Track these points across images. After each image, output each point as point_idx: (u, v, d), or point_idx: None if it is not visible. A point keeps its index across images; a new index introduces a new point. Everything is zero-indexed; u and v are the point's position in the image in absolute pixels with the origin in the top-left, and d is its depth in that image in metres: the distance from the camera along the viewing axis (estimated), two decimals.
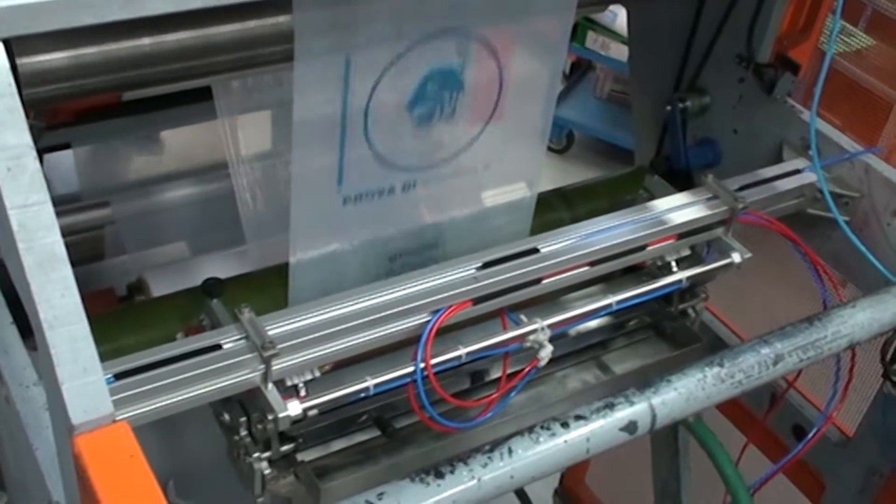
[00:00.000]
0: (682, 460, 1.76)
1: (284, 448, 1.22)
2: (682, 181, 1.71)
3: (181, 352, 1.10)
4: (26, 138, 0.81)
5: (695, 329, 1.54)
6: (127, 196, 1.96)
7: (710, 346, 1.75)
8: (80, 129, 1.77)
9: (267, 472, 1.22)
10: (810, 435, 1.51)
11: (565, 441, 1.04)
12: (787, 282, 1.79)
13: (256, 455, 1.20)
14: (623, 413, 1.07)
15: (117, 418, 1.03)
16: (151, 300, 1.41)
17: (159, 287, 1.70)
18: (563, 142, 4.58)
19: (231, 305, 1.33)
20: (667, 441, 1.79)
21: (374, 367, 1.23)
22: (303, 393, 1.18)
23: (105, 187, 1.98)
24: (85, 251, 2.00)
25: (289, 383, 1.17)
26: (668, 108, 1.68)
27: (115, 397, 1.02)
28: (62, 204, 2.18)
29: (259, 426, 1.16)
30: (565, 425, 1.04)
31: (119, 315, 1.37)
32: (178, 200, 1.97)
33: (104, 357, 1.28)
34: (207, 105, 1.32)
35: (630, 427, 1.07)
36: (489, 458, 1.01)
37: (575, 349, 1.46)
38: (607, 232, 1.34)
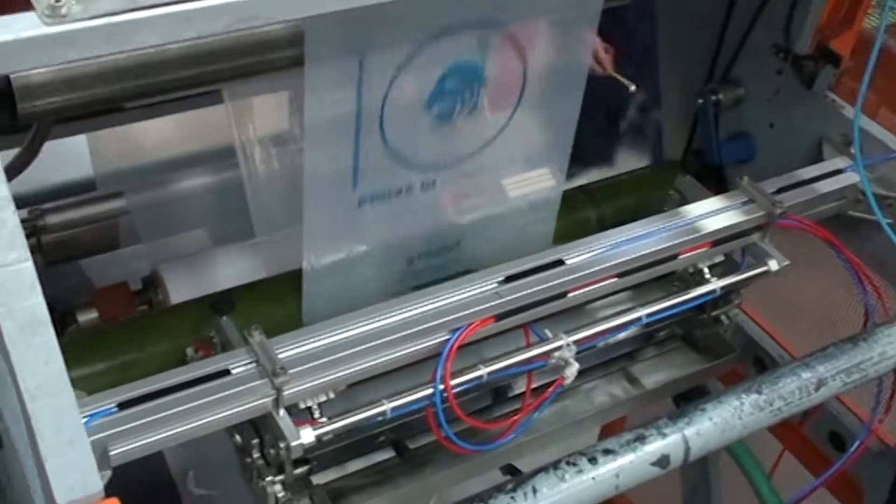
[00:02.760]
0: (711, 468, 1.70)
1: (298, 471, 1.17)
2: (714, 178, 1.64)
3: (188, 378, 1.05)
4: (4, 191, 0.75)
5: (727, 337, 1.48)
6: (141, 185, 1.92)
7: (743, 350, 1.70)
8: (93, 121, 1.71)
9: (280, 494, 1.17)
10: (852, 449, 1.44)
11: (593, 478, 0.98)
12: (824, 280, 1.71)
13: (269, 478, 1.15)
14: (654, 446, 1.01)
15: (119, 450, 0.99)
16: (162, 311, 1.36)
17: (174, 281, 1.67)
18: None
19: (243, 317, 1.29)
20: None
21: (391, 384, 1.18)
22: (317, 415, 1.13)
23: (120, 173, 1.93)
24: (100, 242, 1.96)
25: (302, 406, 1.12)
26: (700, 100, 1.60)
27: (118, 429, 0.99)
28: (77, 191, 2.13)
29: (272, 450, 1.11)
30: (593, 461, 0.98)
31: (128, 327, 1.32)
32: (194, 189, 1.92)
33: (111, 372, 1.27)
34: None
35: (662, 461, 1.01)
36: (512, 498, 0.95)
37: (602, 361, 1.40)
38: (636, 241, 1.27)
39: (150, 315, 1.34)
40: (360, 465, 1.24)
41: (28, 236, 1.89)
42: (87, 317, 1.90)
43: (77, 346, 1.27)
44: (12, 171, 1.68)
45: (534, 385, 1.24)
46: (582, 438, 1.45)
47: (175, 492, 2.44)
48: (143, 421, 1.00)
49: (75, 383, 1.21)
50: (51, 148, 1.58)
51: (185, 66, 1.18)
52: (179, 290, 1.72)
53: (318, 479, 1.21)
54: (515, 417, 1.19)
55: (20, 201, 2.13)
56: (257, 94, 1.31)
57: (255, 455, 1.15)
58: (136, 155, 2.02)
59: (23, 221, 1.84)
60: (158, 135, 2.02)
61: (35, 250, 1.91)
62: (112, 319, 1.92)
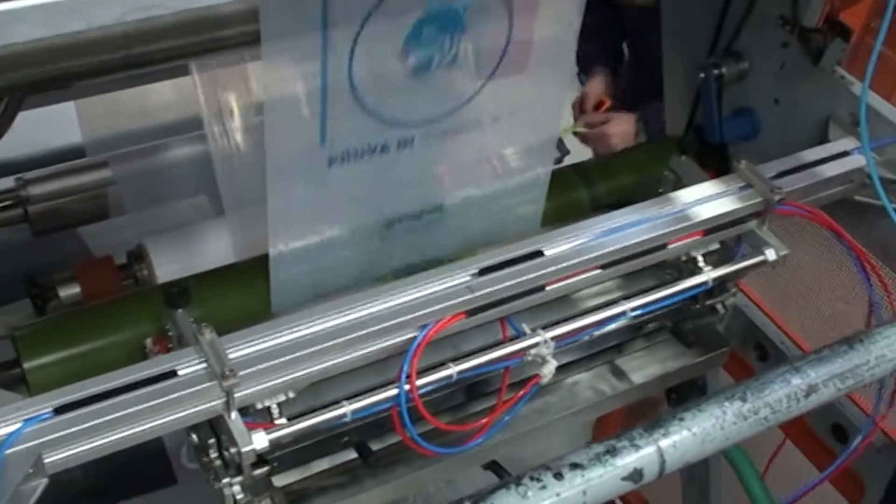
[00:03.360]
0: (711, 461, 1.63)
1: (258, 472, 1.10)
2: (715, 156, 1.55)
3: (131, 380, 0.99)
4: None
5: (724, 326, 1.40)
6: (127, 155, 1.86)
7: (743, 335, 1.62)
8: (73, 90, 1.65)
9: (239, 496, 1.12)
10: (855, 443, 1.36)
11: (558, 494, 0.91)
12: (831, 264, 1.63)
13: (227, 480, 1.09)
14: (626, 460, 0.94)
15: (55, 458, 0.94)
16: (124, 298, 1.29)
17: (159, 255, 1.62)
18: None
19: (206, 306, 1.23)
20: None
21: (357, 379, 1.12)
22: (276, 414, 1.06)
23: (109, 139, 1.87)
24: (89, 212, 1.91)
25: (259, 406, 1.06)
26: (702, 74, 1.50)
27: (53, 435, 0.93)
28: (68, 157, 2.08)
29: (230, 450, 1.05)
30: (558, 476, 0.91)
31: (87, 315, 1.26)
32: (184, 157, 1.85)
33: (68, 362, 1.21)
34: None
35: (634, 475, 0.94)
36: None
37: (586, 354, 1.32)
38: (622, 230, 1.19)
39: (111, 302, 1.27)
40: (324, 466, 1.18)
41: (13, 206, 1.85)
42: (68, 292, 1.85)
43: (33, 334, 1.21)
44: None
45: (511, 381, 1.17)
46: (566, 434, 1.39)
47: (169, 466, 2.41)
48: (82, 427, 0.94)
49: (29, 374, 1.18)
50: (39, 114, 1.50)
51: (149, 41, 1.11)
52: (165, 265, 1.67)
53: (280, 480, 1.15)
54: (485, 420, 1.12)
55: (7, 169, 2.08)
56: (224, 66, 1.23)
57: (213, 455, 1.09)
58: (126, 121, 1.96)
59: (8, 191, 1.81)
60: (150, 99, 1.96)
61: (21, 220, 1.86)
62: (95, 295, 1.86)
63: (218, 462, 1.09)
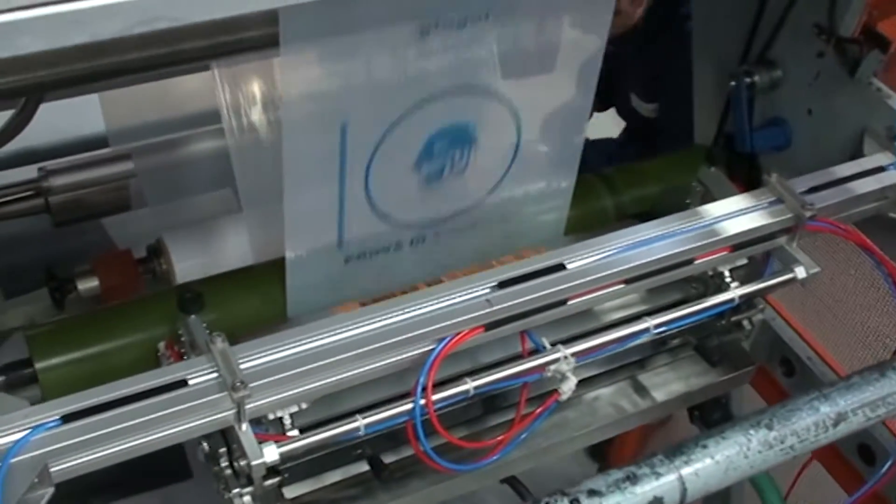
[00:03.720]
0: None
1: (269, 483, 1.08)
2: (745, 165, 1.51)
3: (141, 389, 0.96)
4: None
5: (750, 342, 1.36)
6: (150, 148, 1.84)
7: (770, 349, 1.59)
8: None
9: None
10: (885, 468, 1.32)
11: None
12: (864, 282, 1.59)
13: (237, 490, 1.07)
14: (646, 488, 0.91)
15: (61, 467, 0.92)
16: (137, 300, 1.27)
17: (179, 251, 1.61)
18: None
19: (220, 310, 1.21)
20: None
21: (369, 391, 1.10)
22: (288, 425, 1.04)
23: (132, 130, 1.85)
24: (111, 203, 1.90)
25: (271, 417, 1.04)
26: (733, 82, 1.46)
27: (61, 444, 0.92)
28: (89, 146, 2.06)
29: (241, 462, 1.03)
30: (575, 503, 0.88)
31: (101, 316, 1.24)
32: (205, 151, 1.84)
33: (83, 362, 1.19)
34: None
35: None
36: None
37: (607, 368, 1.29)
38: (648, 244, 1.15)
39: (125, 304, 1.25)
40: (336, 478, 1.15)
41: (34, 196, 1.84)
42: (87, 285, 1.84)
43: (46, 335, 1.19)
44: (5, 137, 1.61)
45: (529, 395, 1.14)
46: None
47: (185, 460, 2.40)
48: (90, 436, 0.92)
49: (41, 374, 1.16)
50: (63, 102, 1.49)
51: (169, 43, 1.09)
52: (184, 260, 1.66)
53: (291, 491, 1.13)
54: (502, 437, 1.10)
55: (30, 157, 2.06)
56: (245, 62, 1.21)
57: (224, 464, 1.07)
58: (149, 111, 1.94)
59: (30, 182, 1.80)
60: (175, 89, 1.94)
61: (43, 210, 1.85)
62: (113, 288, 1.85)
63: (229, 471, 1.07)
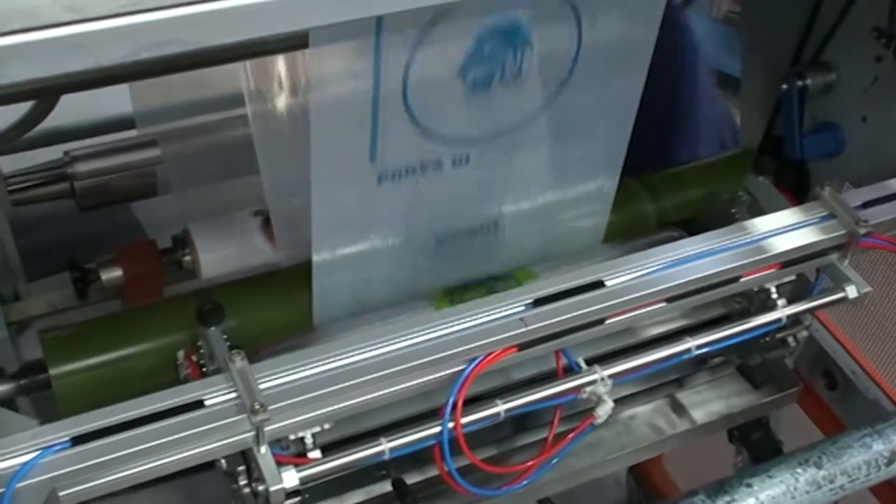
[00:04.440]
0: None
1: (289, 503, 1.04)
2: (793, 172, 1.44)
3: (155, 410, 0.92)
4: None
5: (794, 359, 1.30)
6: (178, 133, 1.80)
7: (812, 361, 1.52)
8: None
9: None
10: None
11: None
12: None
13: None
14: None
15: (71, 491, 0.87)
16: (156, 305, 1.23)
17: (204, 242, 1.57)
18: None
19: (242, 316, 1.17)
20: None
21: (394, 408, 1.05)
22: (309, 444, 1.00)
23: (160, 111, 1.81)
24: (137, 189, 1.86)
25: (292, 437, 0.99)
26: (785, 84, 1.39)
27: (70, 468, 0.87)
28: (115, 127, 2.03)
29: (259, 486, 0.98)
30: None
31: (118, 322, 1.19)
32: (234, 137, 1.79)
33: (98, 369, 1.15)
34: None
35: None
36: None
37: (645, 387, 1.23)
38: (692, 261, 1.09)
39: (143, 310, 1.21)
40: (359, 498, 1.11)
41: (59, 181, 1.80)
42: (110, 275, 1.80)
43: (61, 339, 1.15)
44: (28, 124, 1.57)
45: (563, 415, 1.09)
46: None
47: None
48: (101, 459, 0.88)
49: (55, 380, 1.12)
50: None
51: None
52: (210, 251, 1.62)
53: None
54: (531, 462, 1.04)
55: (56, 137, 2.02)
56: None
57: (242, 482, 1.02)
58: (178, 92, 1.89)
59: (54, 167, 1.77)
60: (204, 71, 1.89)
61: (67, 195, 1.82)
62: (137, 279, 1.81)
63: (247, 490, 1.02)
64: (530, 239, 1.28)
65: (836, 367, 1.52)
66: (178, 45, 0.54)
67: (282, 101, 1.17)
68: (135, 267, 1.78)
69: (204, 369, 1.07)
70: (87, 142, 1.97)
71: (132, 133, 1.86)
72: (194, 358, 1.09)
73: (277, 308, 1.19)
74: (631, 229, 1.36)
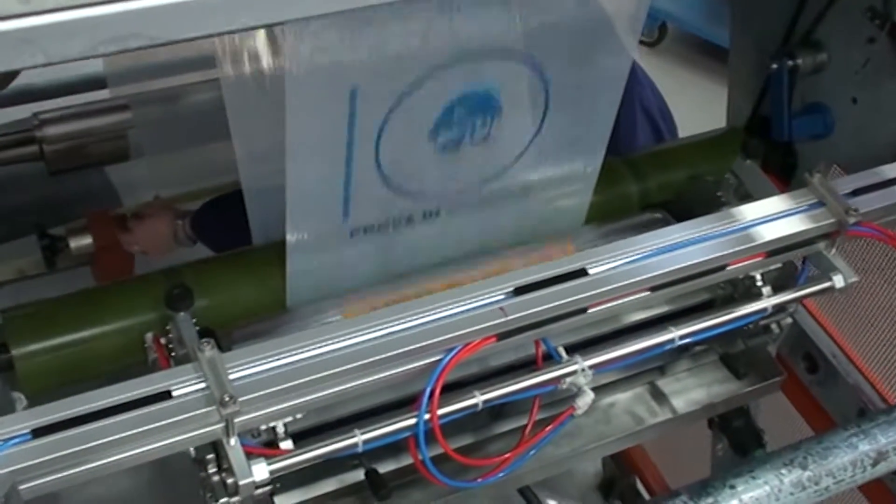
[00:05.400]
0: None
1: (259, 492, 1.01)
2: (781, 153, 1.41)
3: (120, 401, 0.88)
4: None
5: (773, 349, 1.28)
6: (149, 97, 1.75)
7: (791, 343, 1.50)
8: None
9: None
10: None
11: None
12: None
13: (225, 500, 1.00)
14: None
15: (32, 485, 0.84)
16: (123, 284, 1.18)
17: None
18: (654, 34, 4.18)
19: (214, 296, 1.13)
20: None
21: (368, 398, 1.03)
22: (280, 434, 0.97)
23: (131, 70, 1.76)
24: (108, 153, 1.82)
25: (263, 427, 0.96)
26: (774, 64, 1.35)
27: (31, 461, 0.84)
28: (87, 87, 1.97)
29: (229, 478, 0.95)
30: None
31: (84, 301, 1.15)
32: (206, 101, 1.75)
33: (63, 349, 1.11)
34: None
35: None
36: None
37: (625, 375, 1.21)
38: (678, 249, 1.06)
39: (110, 288, 1.17)
40: (331, 487, 1.08)
41: (27, 143, 1.75)
42: (79, 243, 1.76)
43: (24, 318, 1.10)
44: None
45: (542, 403, 1.07)
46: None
47: None
48: (63, 452, 0.84)
49: (17, 361, 1.08)
50: None
51: None
52: None
53: (283, 500, 1.06)
54: (508, 455, 1.02)
55: (26, 96, 1.96)
56: None
57: (212, 471, 0.99)
58: (150, 54, 1.83)
59: (21, 130, 1.71)
60: None
61: (37, 158, 1.77)
62: (107, 248, 1.77)
63: (216, 479, 0.99)
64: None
65: (816, 350, 1.50)
66: (142, 40, 0.49)
67: (255, 65, 1.12)
68: (105, 235, 1.74)
69: (173, 353, 1.04)
70: (59, 101, 1.92)
71: (104, 93, 1.81)
72: (163, 341, 1.05)
73: (249, 288, 1.15)
74: (614, 210, 1.33)
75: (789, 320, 1.26)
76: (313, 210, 1.06)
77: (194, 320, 1.02)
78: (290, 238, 1.07)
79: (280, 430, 0.97)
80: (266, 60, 1.10)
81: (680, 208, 1.30)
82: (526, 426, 1.03)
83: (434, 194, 1.13)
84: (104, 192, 1.96)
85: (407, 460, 1.08)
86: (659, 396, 1.21)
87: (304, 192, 1.03)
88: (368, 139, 1.01)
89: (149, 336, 1.08)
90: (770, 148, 1.40)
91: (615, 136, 1.19)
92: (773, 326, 1.25)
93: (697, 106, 2.36)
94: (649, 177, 1.36)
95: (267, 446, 0.96)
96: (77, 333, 1.10)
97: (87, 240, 1.72)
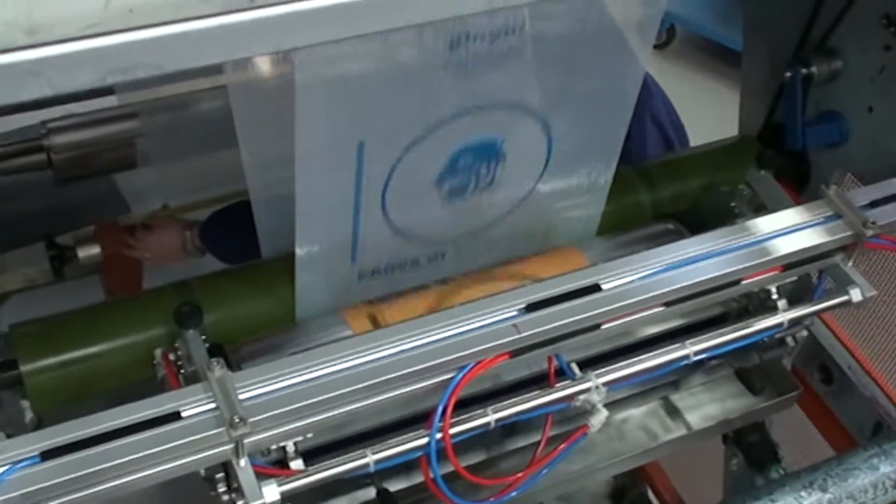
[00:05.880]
0: None
1: None
2: (794, 161, 1.39)
3: (130, 422, 0.87)
4: None
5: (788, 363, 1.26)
6: (158, 105, 1.75)
7: (806, 354, 1.48)
8: None
9: None
10: None
11: None
12: None
13: None
14: None
15: None
16: (133, 300, 1.17)
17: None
18: (662, 36, 4.16)
19: (223, 310, 1.12)
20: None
21: (379, 416, 1.01)
22: (291, 454, 0.95)
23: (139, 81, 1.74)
24: (116, 161, 1.81)
25: (274, 447, 0.95)
26: (789, 73, 1.34)
27: (40, 485, 0.82)
28: (95, 93, 1.96)
29: (239, 501, 0.94)
30: None
31: (93, 317, 1.13)
32: (214, 109, 1.74)
33: (72, 365, 1.10)
34: None
35: None
36: None
37: (640, 390, 1.19)
38: (692, 263, 1.05)
39: (119, 304, 1.15)
40: None
41: (35, 152, 1.74)
42: (88, 252, 1.75)
43: (34, 335, 1.09)
44: None
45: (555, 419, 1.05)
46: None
47: None
48: (72, 475, 0.83)
49: (27, 377, 1.07)
50: None
51: None
52: None
53: None
54: (521, 474, 1.01)
55: (35, 102, 1.96)
56: None
57: (221, 490, 0.98)
58: None
59: (29, 139, 1.71)
60: None
61: (45, 167, 1.76)
62: (114, 258, 1.76)
63: (226, 497, 0.98)
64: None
65: (832, 361, 1.48)
66: (148, 70, 0.48)
67: (263, 71, 1.11)
68: (114, 244, 1.73)
69: (182, 371, 1.02)
70: (67, 107, 1.91)
71: (112, 99, 1.80)
72: (171, 358, 1.04)
73: (259, 302, 1.14)
74: (626, 221, 1.32)
75: (805, 333, 1.24)
76: (323, 256, 1.08)
77: (203, 337, 1.01)
78: (301, 280, 1.09)
79: (290, 448, 0.96)
80: (274, 69, 1.09)
81: (693, 219, 1.28)
82: (539, 444, 1.02)
83: (441, 239, 1.15)
84: (112, 200, 1.95)
85: (418, 478, 1.07)
86: (673, 412, 1.19)
87: (313, 239, 1.05)
88: (375, 189, 1.03)
89: (158, 352, 1.07)
90: (784, 156, 1.38)
91: (625, 148, 1.18)
92: (789, 339, 1.23)
93: (705, 108, 2.35)
94: (662, 187, 1.35)
95: (277, 464, 0.95)
96: (86, 349, 1.10)
97: (95, 249, 1.72)
